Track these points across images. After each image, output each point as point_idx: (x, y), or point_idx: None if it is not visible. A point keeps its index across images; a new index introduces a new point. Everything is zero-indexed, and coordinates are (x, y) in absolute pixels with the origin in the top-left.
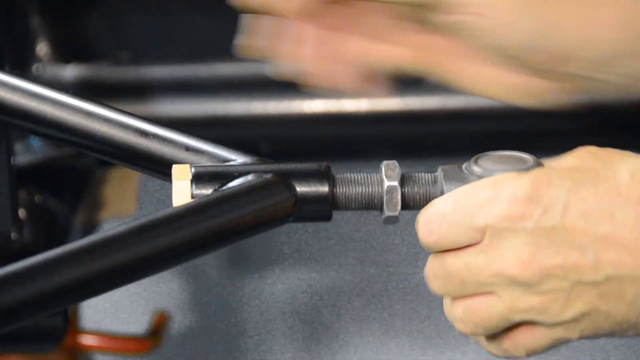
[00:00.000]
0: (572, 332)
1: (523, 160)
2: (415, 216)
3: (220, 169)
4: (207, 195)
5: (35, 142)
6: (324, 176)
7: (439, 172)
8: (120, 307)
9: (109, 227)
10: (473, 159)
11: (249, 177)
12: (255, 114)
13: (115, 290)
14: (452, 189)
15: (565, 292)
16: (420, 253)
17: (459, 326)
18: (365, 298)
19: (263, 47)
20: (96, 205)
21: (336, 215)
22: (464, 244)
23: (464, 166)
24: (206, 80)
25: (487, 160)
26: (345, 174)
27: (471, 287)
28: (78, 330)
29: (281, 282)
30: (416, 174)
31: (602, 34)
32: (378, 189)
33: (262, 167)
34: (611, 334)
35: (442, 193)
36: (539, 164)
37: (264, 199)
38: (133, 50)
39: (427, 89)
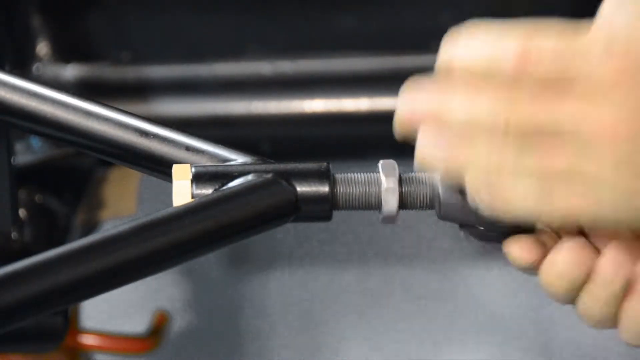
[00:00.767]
0: None
1: None
2: (414, 216)
3: (220, 168)
4: (208, 195)
5: (36, 142)
6: (324, 176)
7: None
8: (121, 307)
9: (109, 226)
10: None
11: (249, 177)
12: (255, 113)
13: (115, 290)
14: (448, 192)
15: None
16: (420, 252)
17: None
18: (365, 298)
19: None
20: (96, 205)
21: (336, 214)
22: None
23: None
24: (206, 80)
25: None
26: (345, 174)
27: None
28: (78, 330)
29: (281, 282)
30: (414, 174)
31: None
32: (376, 189)
33: (263, 167)
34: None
35: (438, 195)
36: None
37: (264, 198)
38: (133, 50)
39: None
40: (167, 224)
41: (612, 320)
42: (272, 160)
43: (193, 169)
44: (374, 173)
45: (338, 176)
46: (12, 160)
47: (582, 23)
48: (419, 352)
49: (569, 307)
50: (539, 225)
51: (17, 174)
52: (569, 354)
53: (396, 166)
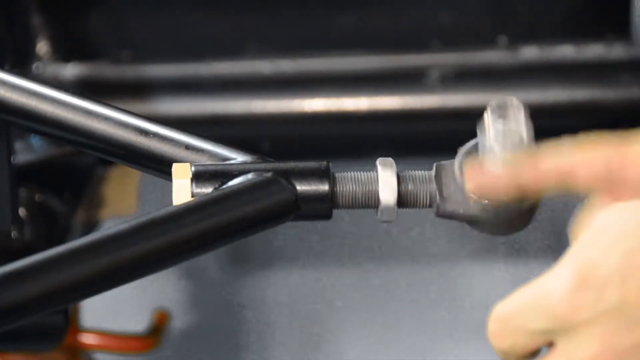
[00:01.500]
0: None
1: None
2: (414, 215)
3: (220, 167)
4: (207, 194)
5: (36, 141)
6: (324, 175)
7: (434, 171)
8: (121, 305)
9: (110, 225)
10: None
11: (249, 176)
12: (255, 112)
13: (115, 289)
14: (444, 189)
15: None
16: (420, 252)
17: None
18: (365, 298)
19: None
20: (96, 203)
21: (336, 213)
22: (537, 347)
23: (456, 170)
24: (206, 79)
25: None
26: (345, 173)
27: None
28: (78, 329)
29: (281, 282)
30: (412, 172)
31: None
32: (374, 187)
33: (262, 165)
34: None
35: (437, 192)
36: None
37: (264, 197)
38: (133, 49)
39: (428, 87)
40: (167, 222)
41: None
42: (272, 159)
43: (193, 168)
44: (374, 172)
45: (338, 175)
46: (12, 159)
47: None
48: (419, 352)
49: None
50: None
51: (17, 173)
52: None
53: (394, 164)
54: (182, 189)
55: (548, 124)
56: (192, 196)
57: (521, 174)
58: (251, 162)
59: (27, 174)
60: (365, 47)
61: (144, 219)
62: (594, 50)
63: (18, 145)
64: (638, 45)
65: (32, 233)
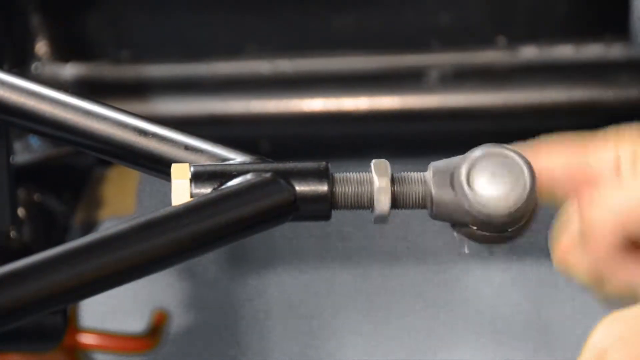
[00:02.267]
0: None
1: (516, 176)
2: (414, 215)
3: (219, 168)
4: (206, 194)
5: (34, 141)
6: (323, 175)
7: (429, 172)
8: (120, 305)
9: (108, 225)
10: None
11: (248, 176)
12: (254, 112)
13: (114, 289)
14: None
15: None
16: (420, 252)
17: None
18: (365, 298)
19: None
20: (95, 204)
21: (336, 214)
22: None
23: (454, 174)
24: (205, 79)
25: (480, 176)
26: (344, 173)
27: None
28: (77, 329)
29: (281, 282)
30: (406, 173)
31: None
32: (369, 188)
33: (261, 166)
34: None
35: (430, 194)
36: (531, 171)
37: (263, 198)
38: (132, 49)
39: (427, 87)
40: (166, 223)
41: None
42: (271, 160)
43: (192, 168)
44: (369, 172)
45: (337, 175)
46: (10, 159)
47: None
48: (418, 351)
49: (569, 307)
50: None
51: (16, 173)
52: (569, 354)
53: (388, 165)
54: (181, 190)
55: (547, 124)
56: (191, 196)
57: None
58: (250, 163)
59: (26, 174)
60: (365, 47)
61: (142, 219)
62: (593, 51)
63: (17, 146)
64: (637, 46)
65: (31, 233)
